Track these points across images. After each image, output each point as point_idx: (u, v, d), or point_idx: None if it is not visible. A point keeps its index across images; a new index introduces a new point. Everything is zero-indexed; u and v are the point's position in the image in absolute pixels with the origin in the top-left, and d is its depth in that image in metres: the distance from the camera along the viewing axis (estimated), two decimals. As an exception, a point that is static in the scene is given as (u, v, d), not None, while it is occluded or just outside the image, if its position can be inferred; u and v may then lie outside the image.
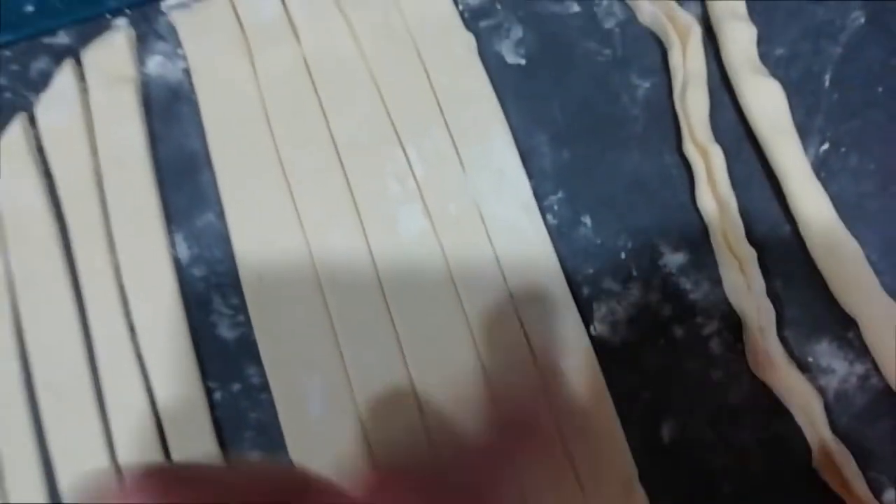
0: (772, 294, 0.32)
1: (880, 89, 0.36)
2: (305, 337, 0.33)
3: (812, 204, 0.33)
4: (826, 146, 0.35)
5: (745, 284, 0.32)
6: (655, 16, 0.36)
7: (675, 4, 0.36)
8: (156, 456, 0.32)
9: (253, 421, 0.33)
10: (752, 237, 0.33)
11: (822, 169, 0.35)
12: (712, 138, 0.34)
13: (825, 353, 0.32)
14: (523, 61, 0.38)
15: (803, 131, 0.35)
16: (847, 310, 0.32)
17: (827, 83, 0.36)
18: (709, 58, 0.36)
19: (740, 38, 0.36)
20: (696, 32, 0.36)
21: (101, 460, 0.32)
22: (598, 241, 0.34)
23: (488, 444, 0.26)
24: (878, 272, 0.32)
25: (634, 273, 0.34)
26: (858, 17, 0.37)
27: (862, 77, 0.36)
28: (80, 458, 0.32)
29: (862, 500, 0.29)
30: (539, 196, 0.35)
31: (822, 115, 0.36)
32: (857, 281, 0.32)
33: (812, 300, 0.32)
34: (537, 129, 0.37)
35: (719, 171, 0.34)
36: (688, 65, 0.36)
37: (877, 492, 0.30)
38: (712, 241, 0.33)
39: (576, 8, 0.38)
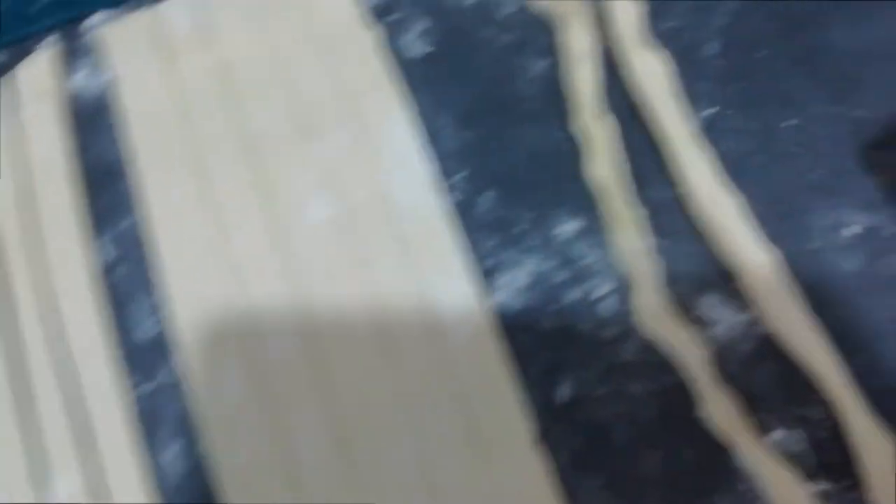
0: (661, 253, 0.34)
1: (764, 55, 0.38)
2: (223, 327, 0.35)
3: (695, 165, 0.35)
4: (714, 109, 0.37)
5: (635, 245, 0.34)
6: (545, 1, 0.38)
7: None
8: (83, 447, 0.33)
9: (172, 412, 0.34)
10: (642, 200, 0.35)
11: (711, 130, 0.36)
12: (603, 110, 0.36)
13: (712, 304, 0.34)
14: (429, 50, 0.40)
15: (692, 96, 0.37)
16: (730, 262, 0.33)
17: (714, 51, 0.38)
18: (602, 34, 0.38)
19: (628, 16, 0.38)
20: (583, 14, 0.38)
21: (34, 458, 0.34)
22: (500, 215, 0.36)
23: None
24: (763, 223, 0.34)
25: (533, 242, 0.35)
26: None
27: (747, 44, 0.38)
28: (14, 460, 0.34)
29: (749, 441, 0.31)
30: (445, 175, 0.37)
31: (710, 80, 0.37)
32: (738, 233, 0.33)
33: (698, 255, 0.34)
34: (443, 113, 0.39)
35: (610, 140, 0.36)
36: (576, 44, 0.38)
37: (764, 432, 0.31)
38: (604, 206, 0.35)
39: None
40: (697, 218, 0.35)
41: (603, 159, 0.36)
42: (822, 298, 0.34)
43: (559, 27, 0.38)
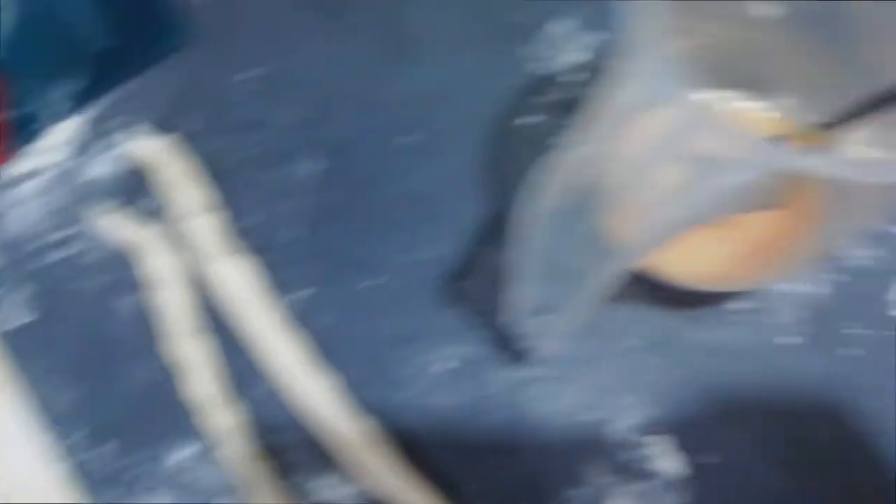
0: (271, 449, 0.37)
1: (343, 222, 0.42)
2: None
3: (288, 354, 0.37)
4: (309, 290, 0.40)
5: (244, 451, 0.36)
6: (120, 237, 0.41)
7: (131, 222, 0.41)
8: None
9: None
10: (246, 403, 0.37)
11: (306, 314, 0.39)
12: (197, 329, 0.39)
13: (325, 486, 0.36)
14: (32, 317, 0.41)
15: (283, 284, 0.40)
16: (333, 438, 0.36)
17: (297, 232, 0.41)
18: (186, 253, 0.41)
19: (206, 229, 0.41)
20: (162, 238, 0.40)
21: None
22: (120, 463, 0.38)
23: None
24: (360, 390, 0.38)
25: (154, 481, 0.37)
26: (320, 162, 0.42)
27: (327, 215, 0.42)
28: None
29: None
30: (62, 438, 0.38)
31: (296, 265, 0.40)
32: (335, 409, 0.36)
33: (307, 441, 0.37)
34: (53, 376, 0.40)
35: (206, 356, 0.38)
36: (161, 270, 0.40)
37: None
38: (209, 423, 0.37)
39: (71, 251, 0.42)
40: (298, 406, 0.37)
41: (200, 377, 0.38)
42: (427, 443, 0.36)
43: (142, 258, 0.41)
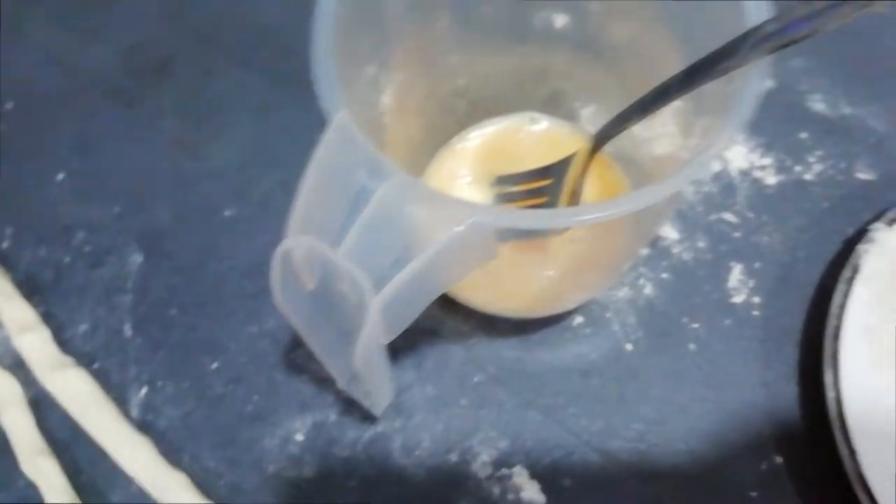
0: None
1: (176, 311, 0.42)
2: None
3: (136, 455, 0.38)
4: (146, 389, 0.40)
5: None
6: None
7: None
8: None
9: None
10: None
11: (150, 411, 0.39)
12: (42, 450, 0.39)
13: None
14: None
15: (123, 387, 0.40)
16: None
17: (128, 332, 0.41)
18: (23, 372, 0.41)
19: (33, 346, 0.41)
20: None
21: None
22: None
23: None
24: (220, 474, 0.38)
25: None
26: (140, 255, 0.43)
27: (158, 307, 0.42)
28: None
29: None
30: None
31: (133, 364, 0.41)
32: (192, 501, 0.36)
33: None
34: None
35: (56, 477, 0.38)
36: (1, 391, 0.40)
37: None
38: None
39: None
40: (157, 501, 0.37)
41: (57, 493, 0.38)
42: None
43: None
